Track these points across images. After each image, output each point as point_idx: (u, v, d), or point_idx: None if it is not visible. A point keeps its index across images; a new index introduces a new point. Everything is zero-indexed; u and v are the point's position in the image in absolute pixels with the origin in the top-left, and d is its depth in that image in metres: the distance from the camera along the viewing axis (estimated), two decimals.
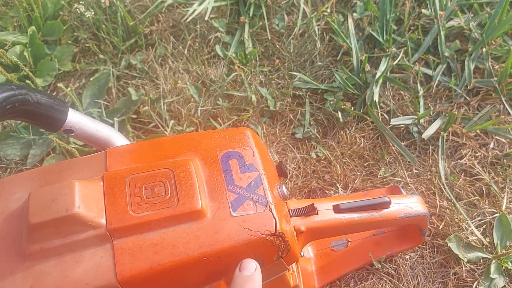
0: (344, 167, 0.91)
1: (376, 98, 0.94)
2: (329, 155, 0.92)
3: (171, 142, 0.55)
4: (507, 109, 0.94)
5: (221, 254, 0.47)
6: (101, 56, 1.08)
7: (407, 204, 0.69)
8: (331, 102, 0.97)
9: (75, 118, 0.58)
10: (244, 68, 1.03)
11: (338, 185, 0.89)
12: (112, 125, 0.93)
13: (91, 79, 1.03)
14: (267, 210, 0.50)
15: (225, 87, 1.00)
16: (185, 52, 1.08)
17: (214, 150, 0.54)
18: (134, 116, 0.98)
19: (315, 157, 0.93)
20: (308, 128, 0.96)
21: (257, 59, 1.06)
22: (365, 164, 0.91)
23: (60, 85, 0.88)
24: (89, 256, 0.46)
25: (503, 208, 0.83)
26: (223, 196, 0.50)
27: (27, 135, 0.95)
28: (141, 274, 0.45)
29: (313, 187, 0.90)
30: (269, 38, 1.09)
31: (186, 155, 0.54)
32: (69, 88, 1.01)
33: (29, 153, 0.95)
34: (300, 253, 0.59)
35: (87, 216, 0.45)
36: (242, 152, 0.54)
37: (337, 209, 0.64)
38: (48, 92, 1.07)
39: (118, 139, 0.62)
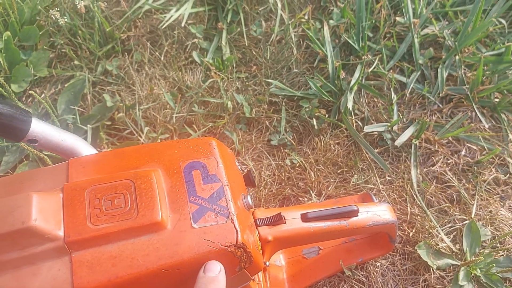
0: (318, 174, 0.91)
1: (350, 105, 0.95)
2: (304, 162, 0.92)
3: (134, 153, 0.55)
4: (478, 117, 0.95)
5: (181, 266, 0.47)
6: (77, 62, 1.08)
7: (376, 212, 0.70)
8: (307, 109, 0.98)
9: (39, 127, 0.57)
10: (221, 75, 1.03)
11: (311, 192, 0.89)
12: (85, 132, 0.93)
13: (66, 85, 1.02)
14: (229, 221, 0.50)
15: (201, 94, 1.00)
16: (162, 58, 1.08)
17: (177, 161, 0.54)
18: (109, 123, 0.97)
19: (289, 164, 0.93)
20: (283, 135, 0.97)
21: (234, 65, 1.06)
22: (338, 171, 0.92)
23: (32, 92, 0.87)
24: (47, 269, 0.45)
25: (473, 215, 0.84)
26: (185, 207, 0.50)
27: (0, 142, 0.94)
28: (99, 287, 0.45)
29: (287, 194, 0.90)
30: (247, 44, 1.09)
31: (149, 166, 0.53)
32: (43, 95, 1.00)
33: (2, 160, 0.94)
34: (266, 263, 0.60)
35: (44, 229, 0.45)
36: (205, 163, 0.55)
37: (304, 217, 0.64)
38: (23, 98, 1.06)
39: (84, 149, 0.62)
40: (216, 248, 0.48)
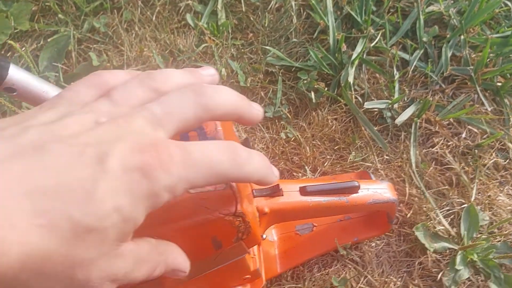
0: (314, 149, 0.87)
1: (350, 79, 0.90)
2: (299, 136, 0.88)
3: None
4: (481, 99, 0.92)
5: (174, 234, 0.42)
6: (62, 17, 1.00)
7: (376, 190, 0.66)
8: (305, 81, 0.93)
9: (17, 75, 0.51)
10: (216, 40, 0.98)
11: (306, 167, 0.85)
12: None
13: (49, 40, 0.95)
14: (228, 188, 0.46)
15: (194, 58, 0.94)
16: (154, 18, 1.01)
17: None
18: None
19: (284, 137, 0.89)
20: (279, 107, 0.92)
21: (230, 31, 1.01)
22: (335, 148, 0.88)
23: (11, 42, 0.80)
24: None
25: (472, 199, 0.81)
26: None
27: None
28: None
29: (281, 168, 0.86)
30: (244, 10, 1.03)
31: None
32: (23, 49, 0.93)
33: None
34: (262, 236, 0.56)
35: None
36: (203, 125, 0.50)
37: (303, 191, 0.60)
38: (3, 52, 0.98)
39: None
40: (213, 216, 0.44)
